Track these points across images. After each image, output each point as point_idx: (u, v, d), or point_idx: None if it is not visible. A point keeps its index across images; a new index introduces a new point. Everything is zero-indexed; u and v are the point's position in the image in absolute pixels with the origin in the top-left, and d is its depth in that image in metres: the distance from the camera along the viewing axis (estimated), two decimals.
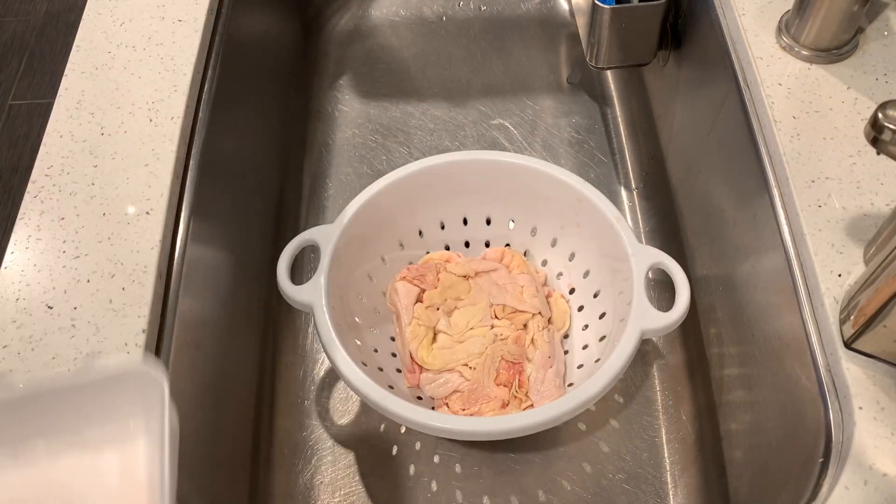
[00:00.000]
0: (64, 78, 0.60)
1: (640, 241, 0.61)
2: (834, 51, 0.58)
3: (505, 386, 0.63)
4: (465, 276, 0.68)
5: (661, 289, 0.71)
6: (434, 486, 0.63)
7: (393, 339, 0.67)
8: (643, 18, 0.70)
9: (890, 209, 0.50)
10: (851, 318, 0.44)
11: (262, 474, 0.64)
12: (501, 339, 0.65)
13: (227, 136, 0.64)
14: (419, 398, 0.64)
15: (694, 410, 0.65)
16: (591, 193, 0.63)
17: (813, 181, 0.52)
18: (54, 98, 0.58)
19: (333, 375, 0.69)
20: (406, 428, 0.66)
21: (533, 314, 0.66)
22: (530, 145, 0.84)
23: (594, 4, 0.69)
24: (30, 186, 0.54)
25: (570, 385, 0.63)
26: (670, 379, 0.68)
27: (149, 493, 0.37)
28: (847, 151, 0.53)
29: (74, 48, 0.62)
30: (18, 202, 0.53)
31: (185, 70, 0.60)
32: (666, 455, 0.65)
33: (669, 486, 0.63)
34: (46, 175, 0.54)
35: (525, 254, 0.72)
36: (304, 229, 0.64)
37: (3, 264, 0.50)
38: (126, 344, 0.47)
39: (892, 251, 0.40)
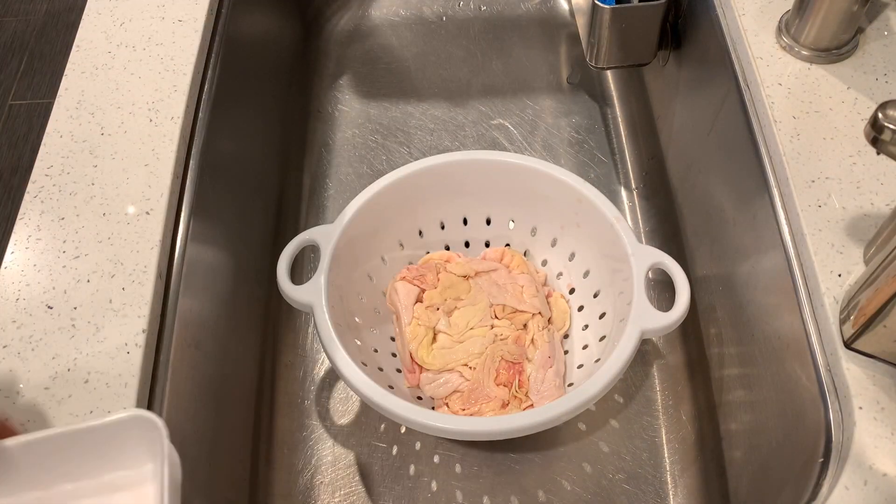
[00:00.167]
0: (64, 78, 0.60)
1: (640, 241, 0.61)
2: (834, 51, 0.58)
3: (505, 386, 0.63)
4: (465, 276, 0.68)
5: (661, 289, 0.71)
6: (434, 486, 0.63)
7: (393, 339, 0.67)
8: (643, 18, 0.70)
9: (890, 209, 0.50)
10: (851, 318, 0.44)
11: (262, 474, 0.64)
12: (501, 339, 0.65)
13: (227, 136, 0.64)
14: (419, 398, 0.64)
15: (694, 410, 0.65)
16: (591, 193, 0.63)
17: (813, 181, 0.52)
18: (54, 98, 0.58)
19: (333, 375, 0.69)
20: (406, 428, 0.66)
21: (533, 314, 0.66)
22: (530, 145, 0.84)
23: (594, 4, 0.69)
24: (30, 186, 0.54)
25: (570, 385, 0.63)
26: (670, 379, 0.68)
27: None
28: (847, 151, 0.53)
29: (74, 48, 0.62)
30: (18, 202, 0.53)
31: (185, 70, 0.60)
32: (666, 455, 0.65)
33: (669, 486, 0.63)
34: (46, 175, 0.54)
35: (525, 254, 0.72)
36: (304, 229, 0.64)
37: (3, 264, 0.50)
38: (126, 344, 0.47)
39: (892, 251, 0.40)
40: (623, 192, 0.81)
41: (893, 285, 0.40)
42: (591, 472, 0.64)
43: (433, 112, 0.88)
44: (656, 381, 0.69)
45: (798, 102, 0.56)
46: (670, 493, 0.63)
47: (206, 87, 0.61)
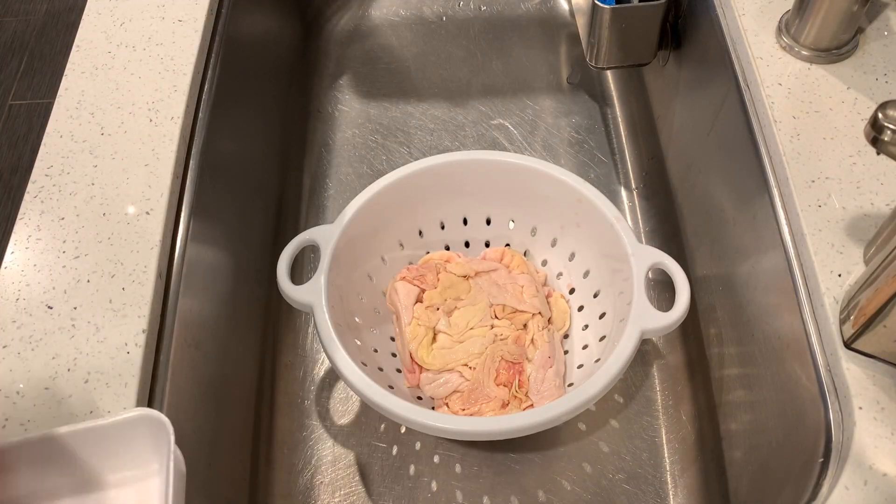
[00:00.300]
0: (64, 78, 0.60)
1: (640, 241, 0.61)
2: (834, 51, 0.58)
3: (505, 386, 0.63)
4: (465, 276, 0.68)
5: (661, 289, 0.71)
6: (434, 486, 0.63)
7: (393, 339, 0.67)
8: (643, 18, 0.70)
9: (890, 209, 0.50)
10: (851, 318, 0.44)
11: (262, 474, 0.64)
12: (501, 339, 0.65)
13: (227, 136, 0.64)
14: (419, 398, 0.64)
15: (694, 410, 0.65)
16: (591, 193, 0.63)
17: (813, 181, 0.52)
18: (54, 98, 0.58)
19: (333, 375, 0.69)
20: (406, 428, 0.66)
21: (533, 314, 0.66)
22: (530, 145, 0.84)
23: (594, 4, 0.69)
24: (30, 186, 0.54)
25: (570, 385, 0.63)
26: (670, 379, 0.68)
27: None
28: (847, 151, 0.53)
29: (74, 48, 0.62)
30: (18, 202, 0.53)
31: (185, 70, 0.60)
32: (666, 455, 0.65)
33: (669, 486, 0.63)
34: (46, 175, 0.54)
35: (525, 254, 0.72)
36: (304, 229, 0.64)
37: (3, 264, 0.50)
38: (126, 344, 0.47)
39: (892, 251, 0.40)
40: (623, 192, 0.81)
41: (893, 285, 0.40)
42: (591, 472, 0.64)
43: (433, 112, 0.88)
44: (656, 381, 0.69)
45: (798, 102, 0.56)
46: (670, 493, 0.63)
47: (206, 87, 0.61)
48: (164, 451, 0.41)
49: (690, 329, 0.68)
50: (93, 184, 0.54)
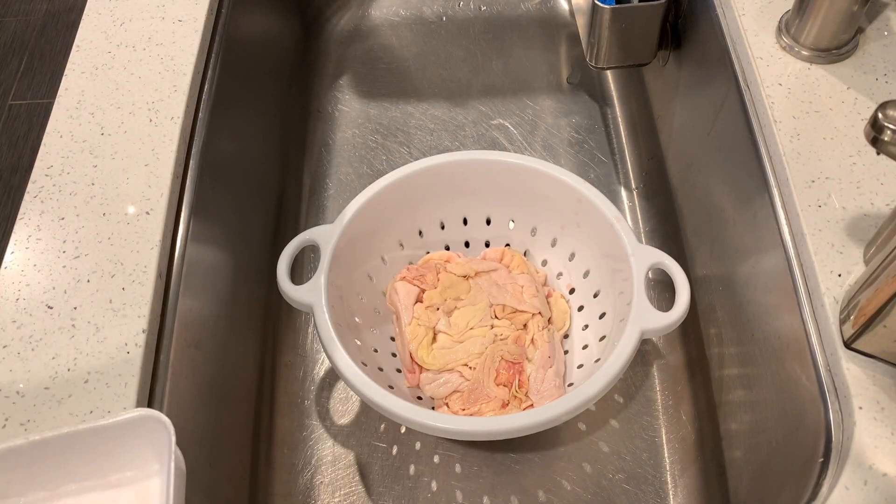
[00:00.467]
0: (64, 78, 0.60)
1: (640, 241, 0.61)
2: (834, 51, 0.58)
3: (505, 386, 0.63)
4: (464, 276, 0.68)
5: (661, 289, 0.71)
6: (434, 486, 0.63)
7: (393, 339, 0.67)
8: (643, 18, 0.70)
9: (890, 209, 0.50)
10: (851, 318, 0.44)
11: (262, 474, 0.64)
12: (501, 339, 0.65)
13: (227, 136, 0.64)
14: (419, 398, 0.64)
15: (694, 410, 0.65)
16: (591, 193, 0.63)
17: (813, 181, 0.52)
18: (54, 98, 0.58)
19: (333, 375, 0.69)
20: (406, 428, 0.66)
21: (533, 314, 0.66)
22: (530, 145, 0.84)
23: (594, 4, 0.69)
24: (30, 186, 0.54)
25: (570, 385, 0.63)
26: (670, 379, 0.68)
27: None
28: (847, 151, 0.53)
29: (74, 48, 0.62)
30: (18, 202, 0.53)
31: (185, 70, 0.60)
32: (666, 455, 0.65)
33: (669, 486, 0.63)
34: (46, 175, 0.54)
35: (525, 254, 0.72)
36: (304, 229, 0.64)
37: (3, 264, 0.50)
38: (126, 344, 0.47)
39: (892, 251, 0.40)
40: (623, 192, 0.81)
41: (893, 285, 0.40)
42: (591, 472, 0.64)
43: (433, 112, 0.88)
44: (656, 381, 0.69)
45: (798, 102, 0.56)
46: (670, 493, 0.63)
47: (206, 87, 0.61)
48: (164, 451, 0.41)
49: (690, 329, 0.68)
50: (93, 184, 0.54)
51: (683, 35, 0.72)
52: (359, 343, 0.62)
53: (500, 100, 0.88)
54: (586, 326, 0.66)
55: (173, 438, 0.41)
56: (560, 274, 0.70)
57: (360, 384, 0.54)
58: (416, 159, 0.67)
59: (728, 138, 0.61)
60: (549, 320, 0.67)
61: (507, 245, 0.72)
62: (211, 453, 0.54)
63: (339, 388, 0.69)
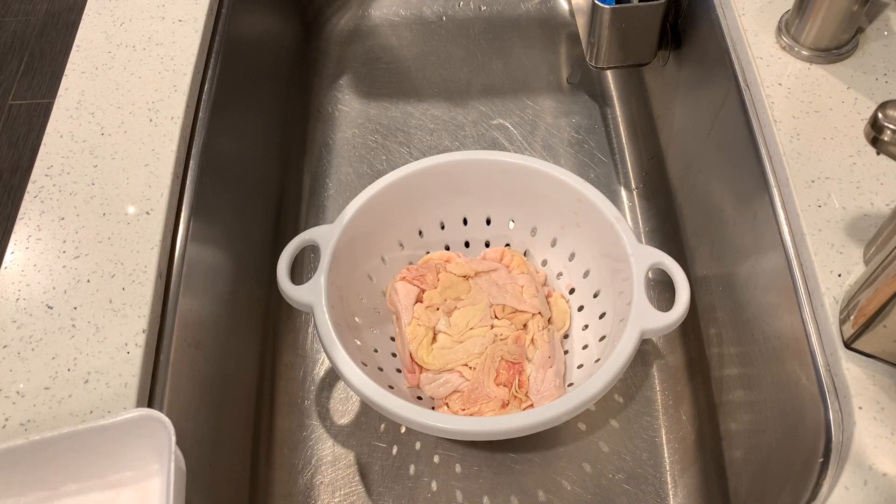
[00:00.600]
0: (64, 78, 0.60)
1: (640, 241, 0.61)
2: (834, 51, 0.58)
3: (505, 386, 0.63)
4: (464, 276, 0.68)
5: (661, 289, 0.71)
6: (434, 486, 0.63)
7: (393, 339, 0.67)
8: (643, 18, 0.70)
9: (890, 209, 0.50)
10: (851, 318, 0.44)
11: (262, 474, 0.64)
12: (501, 339, 0.65)
13: (227, 136, 0.64)
14: (419, 398, 0.64)
15: (694, 410, 0.66)
16: (591, 193, 0.63)
17: (813, 181, 0.52)
18: (54, 98, 0.59)
19: (333, 375, 0.69)
20: (406, 428, 0.66)
21: (533, 314, 0.66)
22: (530, 145, 0.84)
23: (594, 4, 0.69)
24: (30, 186, 0.54)
25: (570, 385, 0.63)
26: (670, 379, 0.68)
27: None
28: (847, 151, 0.53)
29: (74, 48, 0.62)
30: (18, 202, 0.53)
31: (185, 70, 0.60)
32: (666, 455, 0.65)
33: (669, 486, 0.63)
34: (46, 175, 0.54)
35: (525, 254, 0.72)
36: (304, 229, 0.64)
37: (3, 264, 0.50)
38: (126, 344, 0.47)
39: (892, 251, 0.40)
40: (623, 192, 0.81)
41: (893, 285, 0.40)
42: (591, 472, 0.64)
43: (433, 112, 0.88)
44: (656, 381, 0.69)
45: (798, 102, 0.56)
46: (670, 493, 0.63)
47: (206, 87, 0.61)
48: (164, 451, 0.41)
49: (690, 329, 0.68)
50: (93, 184, 0.54)
51: (683, 35, 0.72)
52: (359, 343, 0.62)
53: (500, 100, 0.88)
54: (586, 326, 0.66)
55: (173, 438, 0.41)
56: (560, 274, 0.70)
57: (360, 384, 0.54)
58: (416, 159, 0.67)
59: (728, 138, 0.61)
60: (549, 320, 0.67)
61: (507, 245, 0.72)
62: (211, 453, 0.54)
63: (339, 388, 0.69)
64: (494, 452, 0.65)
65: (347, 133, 0.86)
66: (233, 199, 0.65)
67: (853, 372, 0.45)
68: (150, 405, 0.47)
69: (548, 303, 0.68)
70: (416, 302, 0.67)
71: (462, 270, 0.68)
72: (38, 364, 0.46)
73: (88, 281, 0.49)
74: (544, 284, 0.70)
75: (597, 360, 0.60)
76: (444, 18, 0.97)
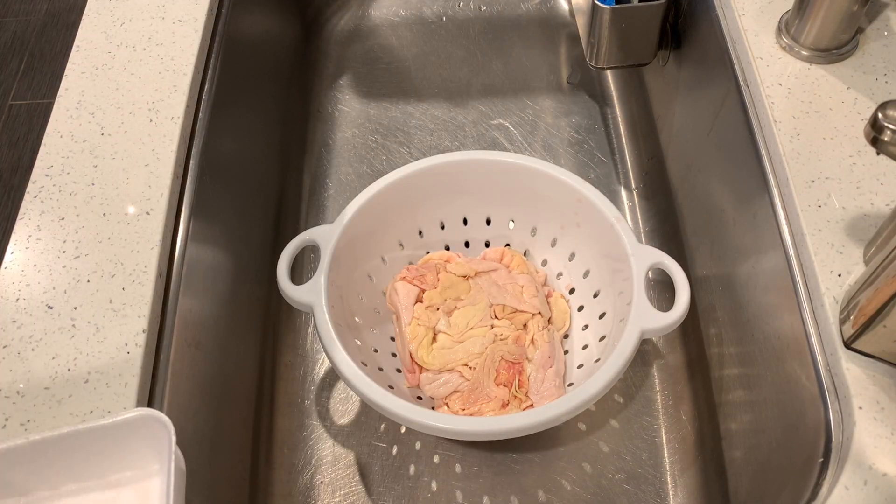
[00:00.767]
0: (64, 78, 0.60)
1: (640, 241, 0.61)
2: (834, 51, 0.58)
3: (505, 386, 0.63)
4: (464, 276, 0.68)
5: (661, 289, 0.71)
6: (434, 486, 0.63)
7: (393, 339, 0.67)
8: (643, 18, 0.70)
9: (890, 209, 0.50)
10: (851, 318, 0.44)
11: (262, 474, 0.64)
12: (501, 339, 0.65)
13: (227, 136, 0.64)
14: (419, 398, 0.64)
15: (694, 410, 0.66)
16: (591, 193, 0.63)
17: (813, 181, 0.52)
18: (54, 98, 0.59)
19: (333, 375, 0.69)
20: (406, 428, 0.66)
21: (533, 314, 0.66)
22: (530, 145, 0.84)
23: (594, 4, 0.69)
24: (30, 186, 0.54)
25: (570, 385, 0.63)
26: (670, 379, 0.68)
27: None
28: (847, 151, 0.53)
29: (74, 48, 0.62)
30: (18, 202, 0.53)
31: (185, 70, 0.60)
32: (666, 455, 0.65)
33: (669, 486, 0.63)
34: (46, 175, 0.54)
35: (525, 254, 0.72)
36: (304, 229, 0.64)
37: (3, 264, 0.50)
38: (126, 344, 0.47)
39: (892, 251, 0.40)
40: (623, 192, 0.81)
41: (893, 285, 0.40)
42: (591, 472, 0.64)
43: (433, 112, 0.88)
44: (656, 381, 0.69)
45: (798, 102, 0.56)
46: (670, 493, 0.63)
47: (206, 87, 0.61)
48: (164, 451, 0.41)
49: (690, 329, 0.68)
50: (93, 184, 0.54)
51: (683, 35, 0.72)
52: (359, 343, 0.62)
53: (500, 100, 0.88)
54: (586, 326, 0.66)
55: (173, 438, 0.41)
56: (560, 274, 0.70)
57: (360, 384, 0.54)
58: (416, 159, 0.67)
59: (728, 138, 0.61)
60: (549, 320, 0.67)
61: (507, 245, 0.72)
62: (211, 453, 0.54)
63: (339, 388, 0.69)
64: (494, 452, 0.65)
65: (347, 133, 0.86)
66: (233, 199, 0.65)
67: (853, 372, 0.45)
68: (150, 405, 0.47)
69: (548, 303, 0.68)
70: (416, 302, 0.67)
71: (462, 270, 0.68)
72: (38, 364, 0.46)
73: (88, 281, 0.49)
74: (544, 284, 0.70)
75: (597, 360, 0.60)
76: (444, 18, 0.97)
